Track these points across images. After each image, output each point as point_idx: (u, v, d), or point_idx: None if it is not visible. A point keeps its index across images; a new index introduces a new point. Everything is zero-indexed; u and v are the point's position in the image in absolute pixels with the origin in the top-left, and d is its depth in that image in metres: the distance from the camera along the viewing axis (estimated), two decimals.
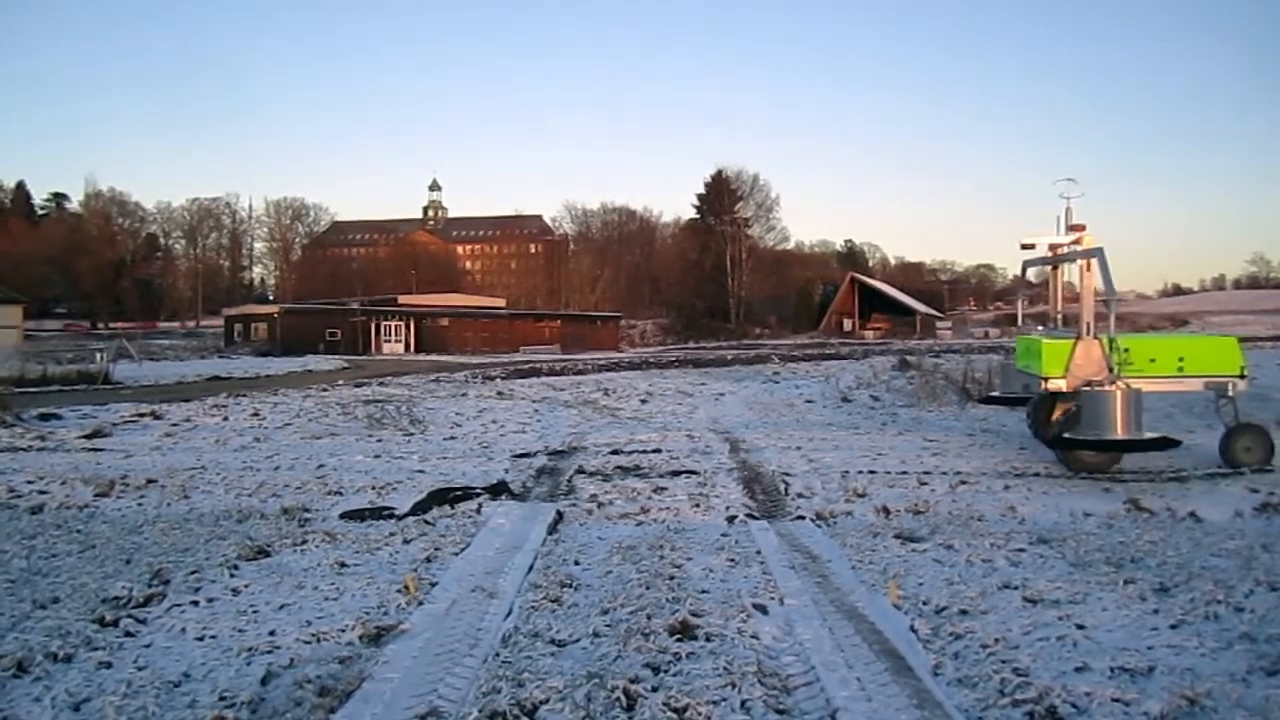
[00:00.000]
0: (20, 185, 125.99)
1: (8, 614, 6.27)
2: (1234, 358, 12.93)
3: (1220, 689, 4.92)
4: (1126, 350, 12.45)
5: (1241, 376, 12.84)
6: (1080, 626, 5.99)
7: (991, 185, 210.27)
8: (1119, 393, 11.76)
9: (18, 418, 17.94)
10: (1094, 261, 12.42)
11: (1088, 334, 12.43)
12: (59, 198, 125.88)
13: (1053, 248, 13.68)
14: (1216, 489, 11.23)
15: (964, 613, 6.33)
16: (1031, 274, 16.04)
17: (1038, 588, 6.80)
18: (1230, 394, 12.84)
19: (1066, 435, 12.40)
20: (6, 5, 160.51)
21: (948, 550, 8.14)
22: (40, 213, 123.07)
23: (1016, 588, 6.87)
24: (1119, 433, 11.74)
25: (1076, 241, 13.06)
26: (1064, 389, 12.45)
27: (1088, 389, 12.06)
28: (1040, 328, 14.71)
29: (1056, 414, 12.58)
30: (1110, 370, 12.16)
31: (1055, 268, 14.18)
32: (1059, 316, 14.83)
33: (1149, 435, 12.07)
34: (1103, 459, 12.64)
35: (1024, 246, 13.97)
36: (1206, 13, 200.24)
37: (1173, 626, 5.99)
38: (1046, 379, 12.59)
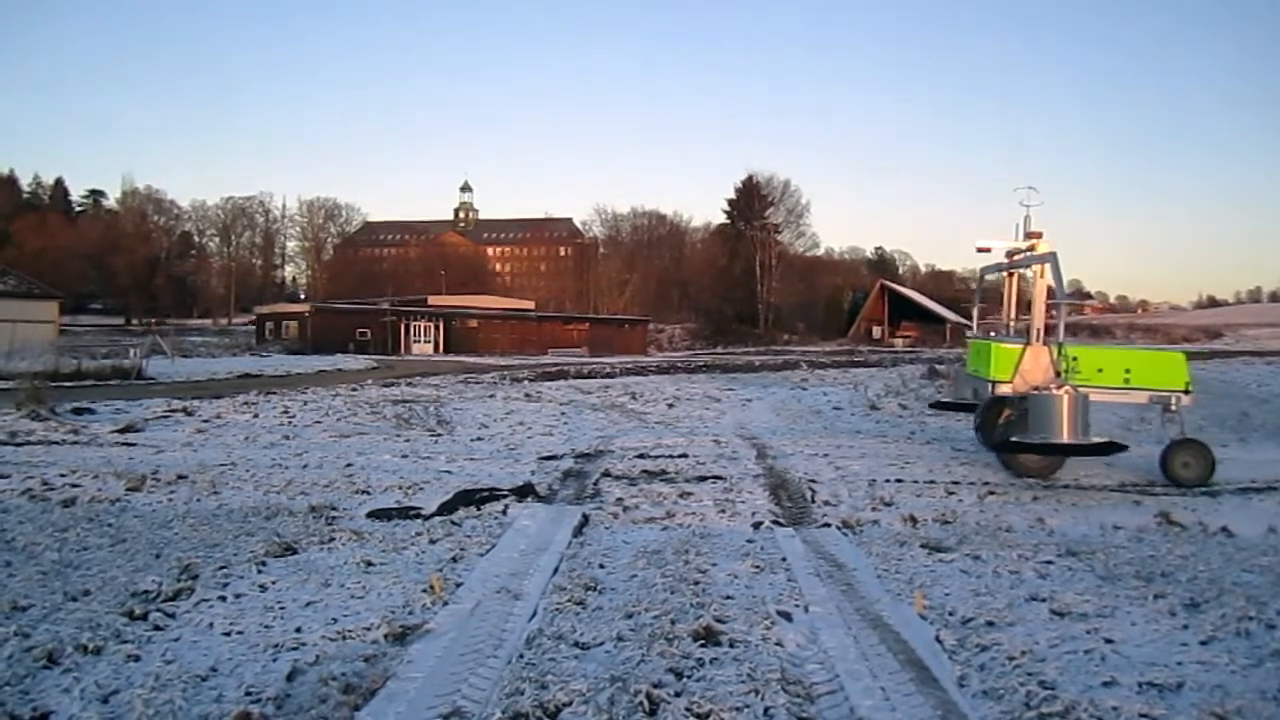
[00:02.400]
0: (58, 182, 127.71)
1: (39, 605, 6.35)
2: (1180, 373, 13.05)
3: (1251, 707, 4.86)
4: (1075, 359, 12.57)
5: (1186, 392, 12.93)
6: (1109, 640, 5.92)
7: (1022, 194, 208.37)
8: (1066, 396, 11.77)
9: (52, 411, 18.16)
10: (1047, 267, 12.55)
11: (1037, 340, 12.59)
12: (96, 195, 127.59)
13: (1010, 254, 13.73)
14: (1249, 504, 11.10)
15: (991, 624, 6.28)
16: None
17: (1066, 600, 6.74)
18: (1174, 408, 12.91)
19: (1013, 439, 12.48)
20: (48, 4, 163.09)
21: (975, 561, 8.08)
22: (77, 210, 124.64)
23: (1044, 600, 6.81)
24: (1065, 436, 11.77)
25: (1031, 248, 13.12)
26: (1011, 393, 12.58)
27: (1035, 392, 12.11)
28: (993, 333, 14.66)
29: (1004, 418, 12.65)
30: (1058, 376, 12.26)
31: (1010, 273, 14.21)
32: (1011, 323, 14.79)
33: (1095, 440, 12.12)
34: (1046, 464, 12.73)
35: (980, 250, 14.05)
36: (1249, 19, 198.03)
37: (1203, 642, 5.91)
38: (995, 383, 12.75)
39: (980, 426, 13.78)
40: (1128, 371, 12.98)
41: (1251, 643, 5.88)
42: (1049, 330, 12.75)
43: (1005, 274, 14.35)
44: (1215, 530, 9.49)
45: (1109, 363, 13.10)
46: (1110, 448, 12.11)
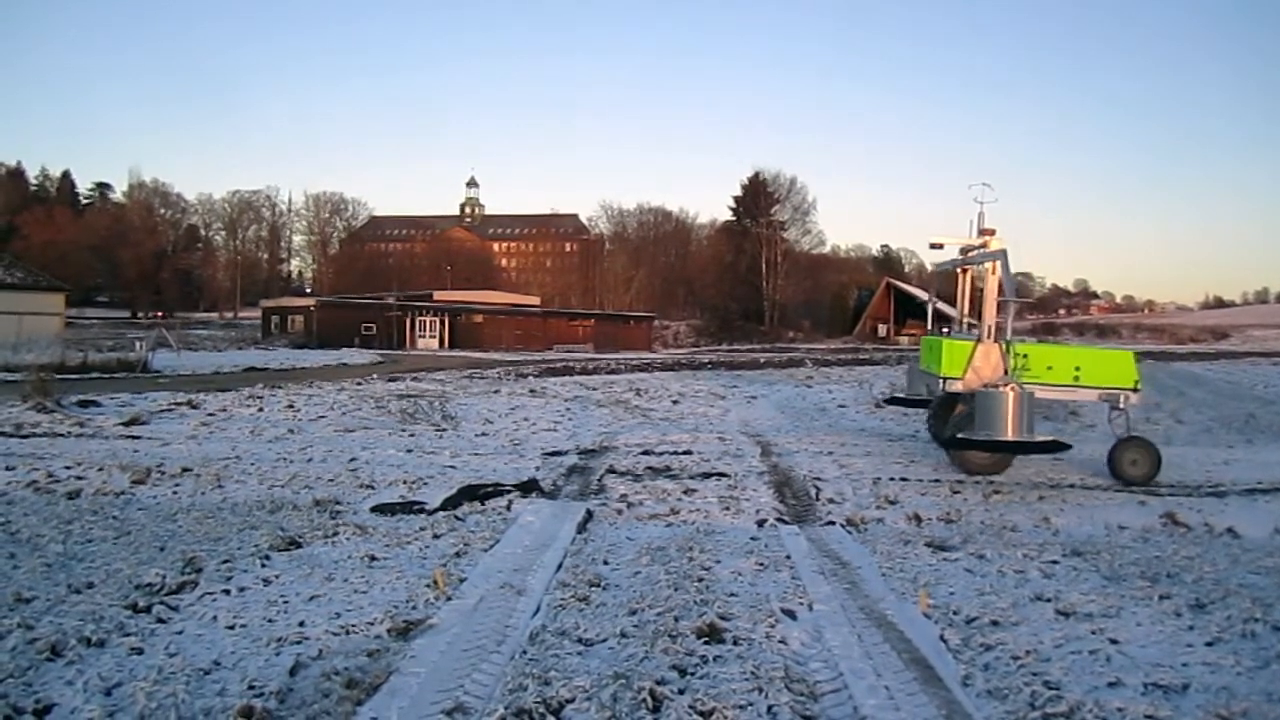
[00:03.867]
0: (65, 175, 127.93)
1: (43, 597, 6.36)
2: (1129, 371, 13.10)
3: (1257, 709, 4.84)
4: (1025, 356, 12.75)
5: (1135, 390, 13.00)
6: (1114, 641, 5.90)
7: (1029, 194, 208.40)
8: (1011, 394, 11.79)
9: (58, 404, 18.22)
10: (998, 264, 12.57)
11: (989, 337, 12.59)
12: (103, 188, 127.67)
13: (964, 250, 13.74)
14: (1255, 505, 11.06)
15: (995, 623, 6.26)
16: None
17: (1071, 600, 6.72)
18: (1122, 406, 12.98)
19: (960, 435, 12.52)
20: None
21: (980, 560, 8.06)
22: (84, 202, 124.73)
23: (1049, 600, 6.79)
24: (1009, 433, 11.80)
25: (984, 245, 13.14)
26: (963, 390, 12.62)
27: (982, 389, 12.13)
28: (945, 329, 14.66)
29: (955, 414, 12.68)
30: (1005, 373, 12.29)
31: (963, 270, 14.20)
32: (966, 321, 14.77)
33: (1040, 438, 12.20)
34: (994, 461, 12.79)
35: (933, 246, 14.10)
36: (1261, 20, 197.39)
37: (1208, 644, 5.89)
38: (945, 379, 12.79)
39: (933, 425, 13.91)
40: (1077, 369, 13.06)
41: (1257, 644, 5.86)
42: (999, 328, 12.76)
43: (959, 271, 14.34)
44: (1221, 531, 9.46)
45: (1059, 360, 13.20)
46: (1054, 446, 12.24)
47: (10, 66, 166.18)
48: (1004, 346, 12.54)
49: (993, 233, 13.08)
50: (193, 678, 5.05)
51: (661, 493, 11.21)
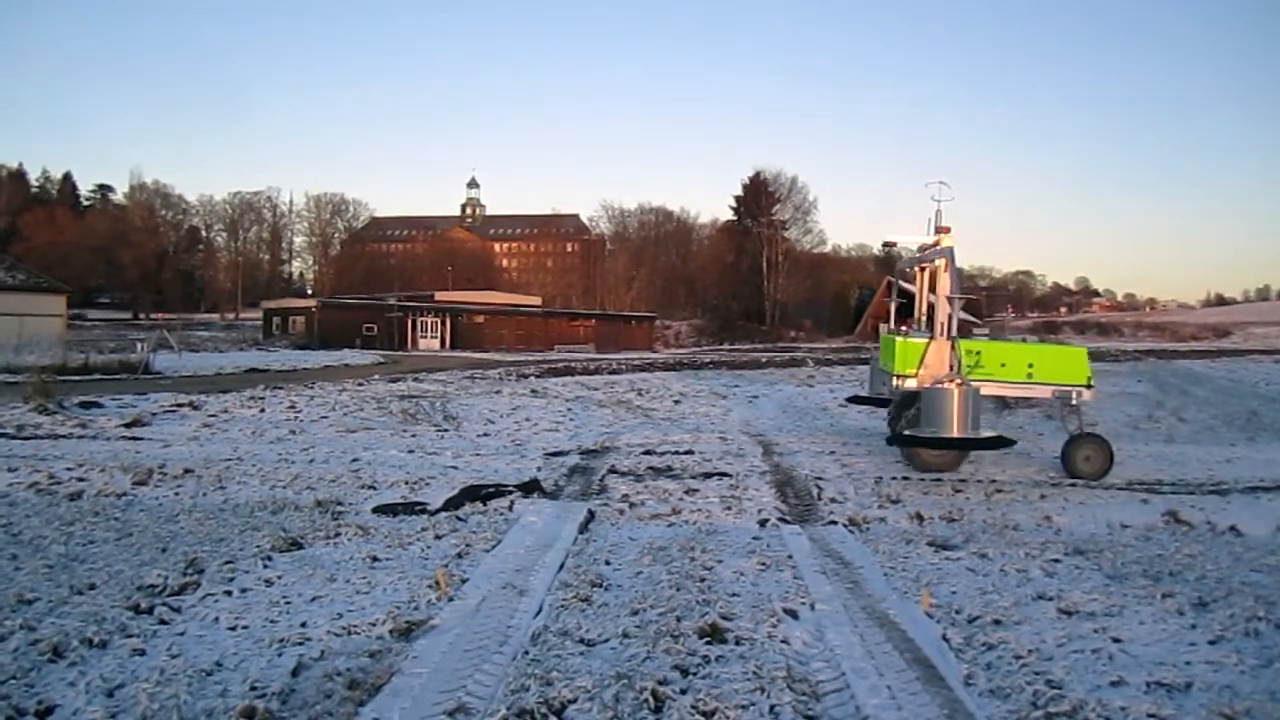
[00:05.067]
0: (67, 176, 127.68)
1: (45, 599, 6.36)
2: (1081, 368, 13.20)
3: (1260, 707, 4.84)
4: (979, 354, 12.85)
5: (1088, 386, 13.09)
6: (1116, 640, 5.90)
7: (1030, 192, 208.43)
8: (957, 391, 11.86)
9: (59, 405, 18.21)
10: (946, 262, 12.65)
11: (941, 334, 12.64)
12: (104, 189, 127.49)
13: (921, 249, 13.80)
14: (1258, 503, 11.06)
15: (997, 623, 6.26)
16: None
17: (1073, 599, 6.72)
18: (1075, 402, 13.06)
19: (907, 433, 12.61)
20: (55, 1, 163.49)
21: (982, 559, 8.06)
22: (86, 204, 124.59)
23: (1051, 599, 6.79)
24: (955, 430, 11.88)
25: (937, 243, 13.18)
26: (917, 387, 12.67)
27: (928, 387, 12.19)
28: (904, 328, 14.67)
29: (909, 412, 12.75)
30: (951, 370, 12.38)
31: (921, 268, 14.21)
32: (923, 318, 14.76)
33: (985, 434, 12.32)
34: (945, 458, 12.88)
35: (885, 245, 14.24)
36: (1247, 18, 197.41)
37: (1211, 642, 5.89)
38: (899, 377, 12.87)
39: (892, 423, 13.99)
40: (1031, 366, 13.13)
41: (1260, 643, 5.86)
42: (947, 325, 12.79)
43: (919, 269, 14.33)
44: (1224, 529, 9.47)
45: (1012, 357, 13.27)
46: (999, 442, 12.34)
47: (12, 68, 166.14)
48: (952, 344, 12.58)
49: (948, 230, 13.10)
50: (195, 678, 5.05)
51: (663, 493, 11.22)
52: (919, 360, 12.68)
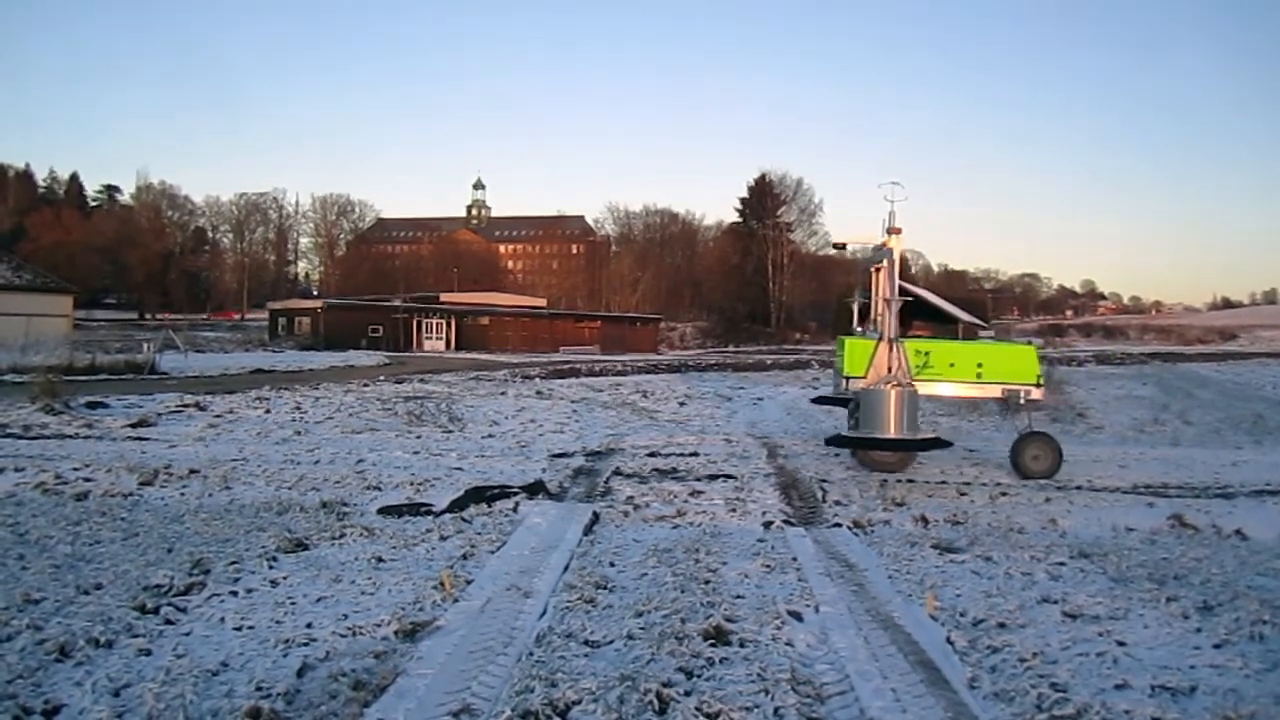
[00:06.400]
0: (74, 177, 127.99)
1: (51, 599, 6.37)
2: (1030, 367, 13.25)
3: (1265, 712, 4.83)
4: (927, 354, 12.93)
5: (1037, 385, 13.13)
6: (1121, 643, 5.89)
7: (1037, 193, 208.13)
8: (893, 392, 11.93)
9: (66, 405, 18.25)
10: (889, 264, 12.78)
11: (885, 336, 12.66)
12: (111, 190, 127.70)
13: (875, 249, 13.83)
14: (1264, 507, 11.03)
15: (1002, 626, 6.25)
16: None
17: (1078, 602, 6.71)
18: (1024, 401, 13.09)
19: (845, 434, 12.83)
20: (63, 1, 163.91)
21: (986, 562, 8.05)
22: (92, 204, 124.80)
23: (1056, 602, 6.78)
24: (891, 431, 11.96)
25: (885, 244, 13.20)
26: (864, 388, 12.70)
27: (865, 388, 12.25)
28: (859, 329, 14.67)
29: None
30: (889, 371, 12.37)
31: (876, 269, 14.21)
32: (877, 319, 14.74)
33: (922, 436, 12.41)
34: (894, 459, 12.96)
35: (835, 247, 14.29)
36: (1257, 19, 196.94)
37: (1216, 646, 5.88)
38: (848, 378, 12.96)
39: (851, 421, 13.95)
40: (980, 365, 13.18)
41: (1265, 647, 5.85)
42: (887, 327, 12.78)
43: (874, 270, 14.30)
44: (1229, 533, 9.45)
45: (961, 357, 13.31)
46: (935, 443, 12.43)
47: (19, 69, 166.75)
48: (895, 345, 12.57)
49: (899, 232, 13.05)
50: (200, 679, 5.07)
51: (668, 494, 11.22)
52: (868, 361, 12.71)
